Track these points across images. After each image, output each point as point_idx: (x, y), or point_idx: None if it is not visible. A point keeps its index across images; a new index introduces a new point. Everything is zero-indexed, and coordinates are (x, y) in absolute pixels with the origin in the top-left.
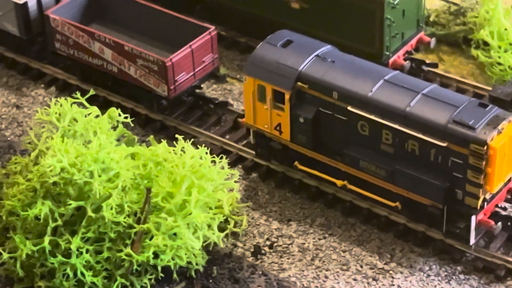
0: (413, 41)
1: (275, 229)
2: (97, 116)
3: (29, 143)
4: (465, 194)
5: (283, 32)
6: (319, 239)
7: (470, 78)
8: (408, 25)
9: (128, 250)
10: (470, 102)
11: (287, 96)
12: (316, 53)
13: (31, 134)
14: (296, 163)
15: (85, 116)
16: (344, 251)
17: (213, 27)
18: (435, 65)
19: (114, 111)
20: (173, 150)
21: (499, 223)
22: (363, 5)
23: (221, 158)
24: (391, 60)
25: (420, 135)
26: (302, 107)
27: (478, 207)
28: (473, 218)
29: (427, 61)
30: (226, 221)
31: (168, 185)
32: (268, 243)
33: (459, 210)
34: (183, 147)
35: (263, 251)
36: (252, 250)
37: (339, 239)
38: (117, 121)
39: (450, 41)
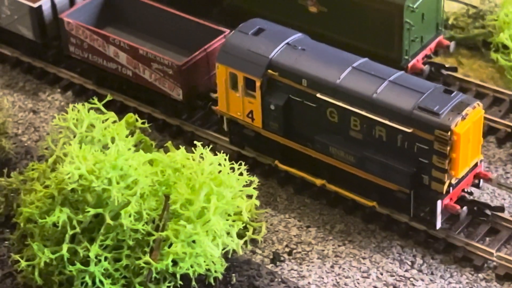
0: (432, 45)
1: (294, 236)
2: (114, 121)
3: (46, 148)
4: (431, 179)
5: (255, 21)
6: (339, 245)
7: (490, 82)
8: (427, 28)
9: (147, 257)
10: (436, 88)
11: (258, 84)
12: (286, 41)
13: (48, 140)
14: (276, 162)
15: (103, 122)
16: (364, 258)
17: (228, 30)
18: (454, 69)
19: (131, 117)
20: (192, 156)
21: (465, 208)
22: (382, 9)
23: (240, 164)
24: (410, 64)
25: (387, 121)
26: (273, 94)
27: (444, 192)
28: (439, 202)
29: (447, 65)
30: (245, 227)
31: (186, 192)
32: (287, 249)
33: (426, 195)
34: (202, 153)
35: (282, 258)
36: (271, 257)
37: (359, 246)
38: (134, 127)
39: (469, 44)
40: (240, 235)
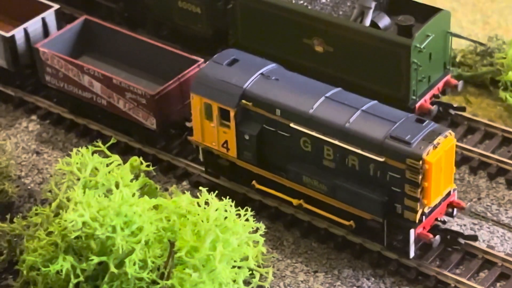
0: (440, 84)
1: (302, 281)
2: (119, 165)
3: (50, 191)
4: (403, 208)
5: (229, 51)
6: None
7: (498, 121)
8: (435, 68)
9: None
10: (408, 118)
11: (232, 114)
12: (260, 71)
13: (51, 183)
14: (254, 182)
15: (107, 165)
16: None
17: (202, 60)
18: (463, 109)
19: (136, 160)
20: (197, 202)
21: (437, 236)
22: (389, 49)
23: (246, 210)
24: (418, 104)
25: (359, 151)
26: (247, 124)
27: (417, 221)
28: (412, 231)
29: (455, 105)
30: (251, 273)
31: (192, 239)
32: None
33: (399, 223)
34: (207, 199)
35: None
36: None
37: None
38: (139, 170)
39: (477, 82)
40: (246, 282)
